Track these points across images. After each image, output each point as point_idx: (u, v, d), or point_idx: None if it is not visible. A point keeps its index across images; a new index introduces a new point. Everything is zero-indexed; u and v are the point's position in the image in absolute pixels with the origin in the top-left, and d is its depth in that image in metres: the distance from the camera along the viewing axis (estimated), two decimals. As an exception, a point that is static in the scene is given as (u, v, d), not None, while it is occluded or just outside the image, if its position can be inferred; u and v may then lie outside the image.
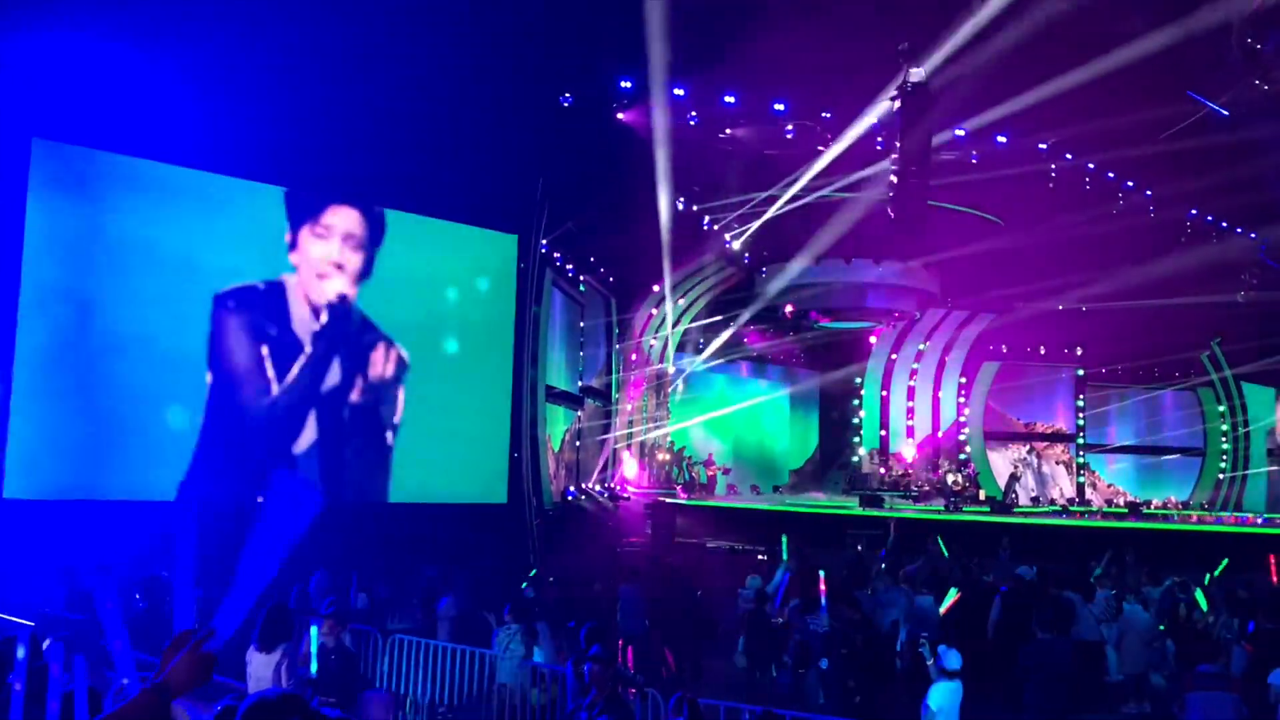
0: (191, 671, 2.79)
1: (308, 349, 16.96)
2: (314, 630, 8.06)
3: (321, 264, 17.15)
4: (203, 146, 15.58)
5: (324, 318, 17.19)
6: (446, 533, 17.51)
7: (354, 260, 17.57)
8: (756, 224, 24.94)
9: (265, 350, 16.46)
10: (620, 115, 21.38)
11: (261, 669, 7.22)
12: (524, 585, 12.95)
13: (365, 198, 17.87)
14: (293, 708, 2.94)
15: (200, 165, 15.88)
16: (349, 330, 17.55)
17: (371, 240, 17.87)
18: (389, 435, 17.96)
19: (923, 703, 7.81)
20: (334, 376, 17.33)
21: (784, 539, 17.25)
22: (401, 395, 18.12)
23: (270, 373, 16.50)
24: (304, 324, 16.95)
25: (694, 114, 22.22)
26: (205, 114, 15.30)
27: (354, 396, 17.54)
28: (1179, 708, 7.90)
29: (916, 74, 17.81)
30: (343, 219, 17.50)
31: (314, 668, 7.59)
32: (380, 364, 17.92)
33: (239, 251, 16.31)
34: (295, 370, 16.80)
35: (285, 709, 2.91)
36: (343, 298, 17.43)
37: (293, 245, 16.82)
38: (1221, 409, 34.87)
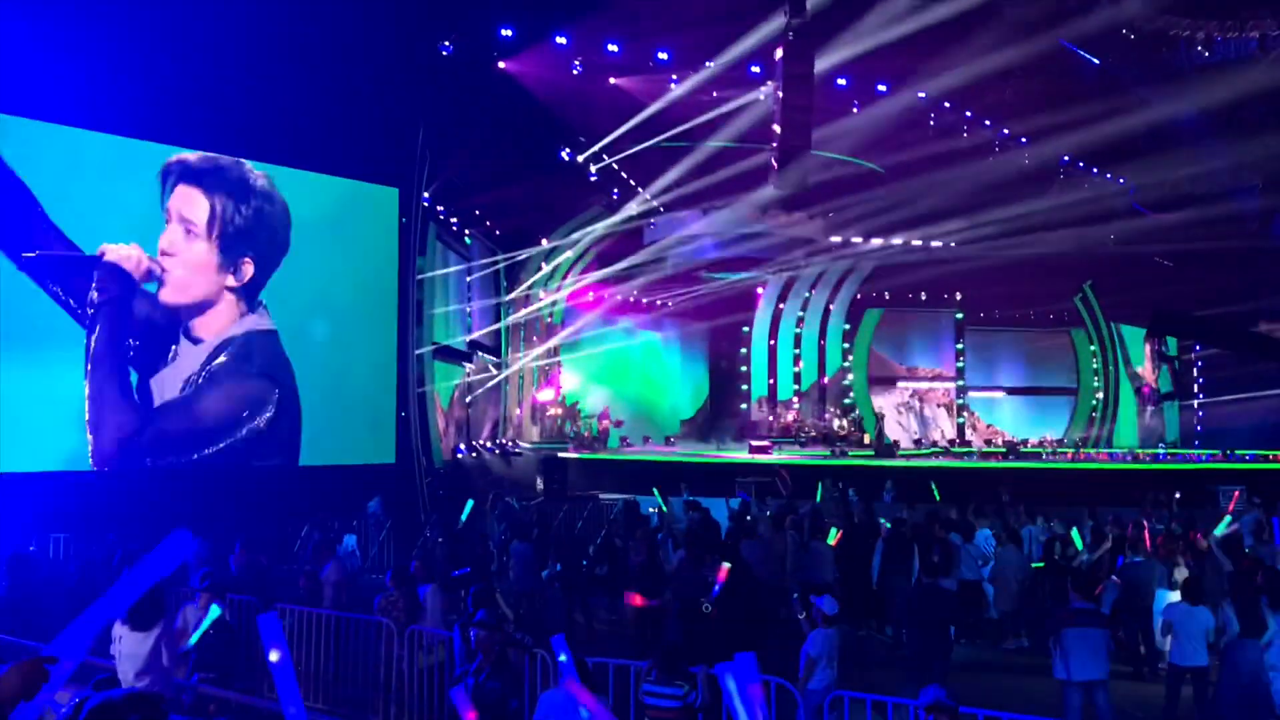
0: (19, 683, 2.60)
1: (183, 316, 16.26)
2: (214, 608, 7.78)
3: (188, 224, 16.32)
4: (67, 99, 14.75)
5: (197, 279, 16.44)
6: (334, 495, 17.15)
7: (226, 218, 16.80)
8: (618, 159, 24.66)
9: (141, 316, 15.70)
10: (502, 64, 20.91)
11: (134, 647, 6.87)
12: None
13: (239, 150, 17.14)
14: (138, 707, 2.76)
15: (68, 120, 15.05)
16: (224, 291, 16.84)
17: (245, 197, 17.12)
18: (272, 397, 17.37)
19: (802, 650, 7.94)
20: (210, 337, 16.67)
21: (655, 491, 17.36)
22: (284, 355, 17.54)
23: (141, 339, 15.77)
24: (176, 289, 16.18)
25: (578, 62, 21.89)
26: (70, 67, 14.48)
27: (233, 358, 16.90)
28: (1054, 642, 8.19)
29: (799, 20, 17.77)
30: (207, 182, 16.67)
31: (193, 641, 7.34)
32: (259, 324, 17.29)
33: (110, 213, 15.47)
34: (169, 337, 16.13)
35: (131, 710, 2.73)
36: (216, 256, 16.71)
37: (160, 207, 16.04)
38: (1093, 349, 36.29)
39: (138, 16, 14.76)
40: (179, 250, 15.87)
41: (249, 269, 16.45)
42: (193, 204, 16.00)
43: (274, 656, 2.96)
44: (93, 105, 15.16)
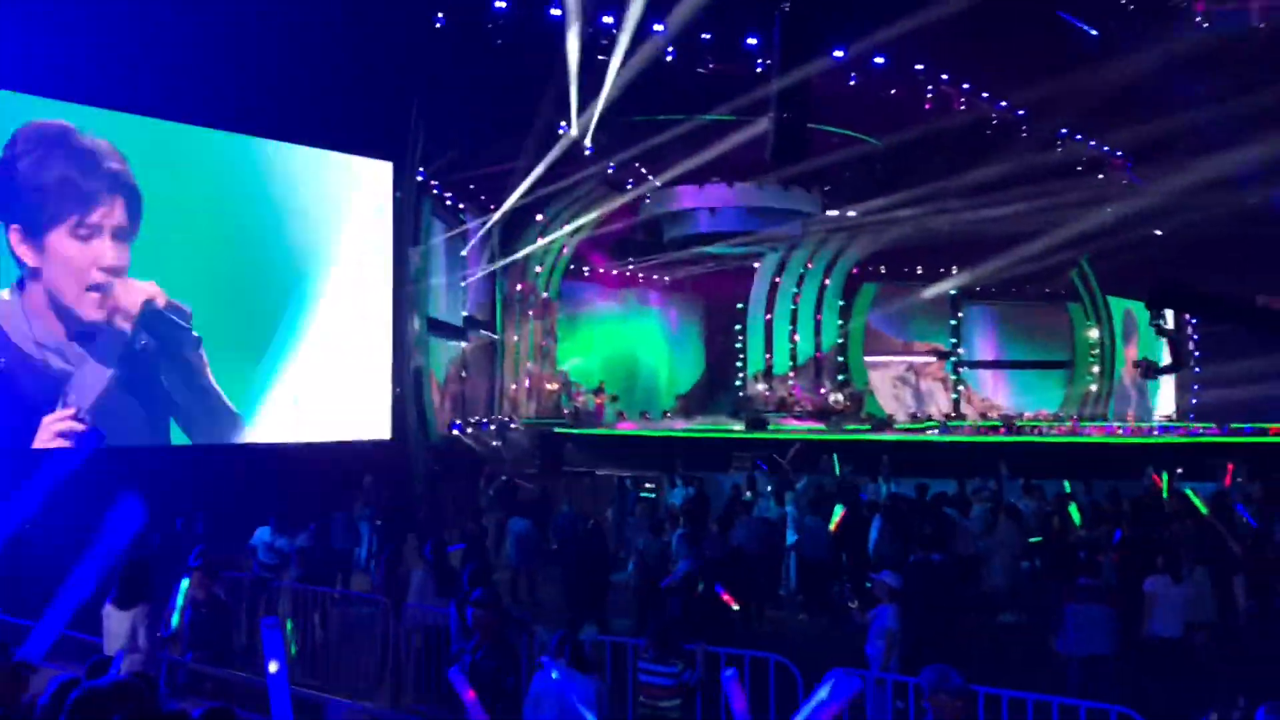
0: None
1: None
2: (184, 583, 7.72)
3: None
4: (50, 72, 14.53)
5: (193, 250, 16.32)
6: (330, 471, 17.07)
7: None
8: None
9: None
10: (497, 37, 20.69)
11: (118, 626, 6.84)
12: None
13: (230, 123, 16.96)
14: (125, 700, 2.69)
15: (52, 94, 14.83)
16: (222, 265, 16.73)
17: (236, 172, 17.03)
18: (266, 373, 17.29)
19: (874, 629, 7.78)
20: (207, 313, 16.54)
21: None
22: (278, 331, 17.46)
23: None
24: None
25: (573, 34, 21.63)
26: (60, 35, 14.24)
27: (228, 334, 16.80)
28: (1056, 619, 8.18)
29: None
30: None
31: (175, 621, 7.30)
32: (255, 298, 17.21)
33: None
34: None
35: (120, 698, 2.66)
36: (213, 231, 16.58)
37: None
38: (1089, 323, 36.22)
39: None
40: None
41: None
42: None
43: (273, 668, 2.93)
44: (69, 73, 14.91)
